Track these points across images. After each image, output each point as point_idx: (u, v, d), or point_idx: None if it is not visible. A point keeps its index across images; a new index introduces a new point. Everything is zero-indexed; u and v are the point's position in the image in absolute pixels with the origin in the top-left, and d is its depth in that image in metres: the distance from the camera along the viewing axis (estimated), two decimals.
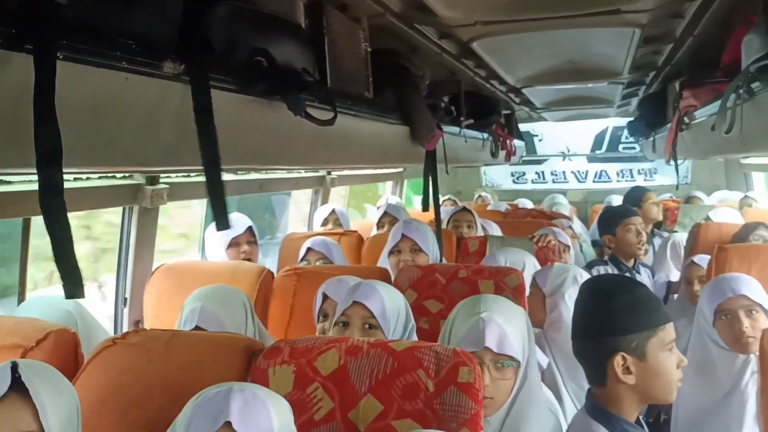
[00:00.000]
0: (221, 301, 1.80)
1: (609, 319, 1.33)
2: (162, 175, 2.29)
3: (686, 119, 2.63)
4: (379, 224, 3.57)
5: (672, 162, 3.16)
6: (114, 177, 2.11)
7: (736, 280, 1.90)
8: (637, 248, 3.01)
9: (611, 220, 3.13)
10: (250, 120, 1.32)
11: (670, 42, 2.65)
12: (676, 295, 2.84)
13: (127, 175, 2.15)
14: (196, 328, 1.72)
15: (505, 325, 1.44)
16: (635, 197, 3.87)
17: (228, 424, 1.05)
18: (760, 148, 1.83)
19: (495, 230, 3.53)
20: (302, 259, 2.75)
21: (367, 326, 1.59)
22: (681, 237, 3.33)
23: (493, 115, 4.27)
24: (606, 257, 3.21)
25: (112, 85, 0.96)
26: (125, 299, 2.28)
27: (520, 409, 1.42)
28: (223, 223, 1.10)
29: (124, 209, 2.24)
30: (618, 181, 7.15)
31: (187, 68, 1.03)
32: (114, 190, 2.12)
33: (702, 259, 2.61)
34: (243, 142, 1.33)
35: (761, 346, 1.64)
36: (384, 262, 2.58)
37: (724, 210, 3.66)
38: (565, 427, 1.52)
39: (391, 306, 1.63)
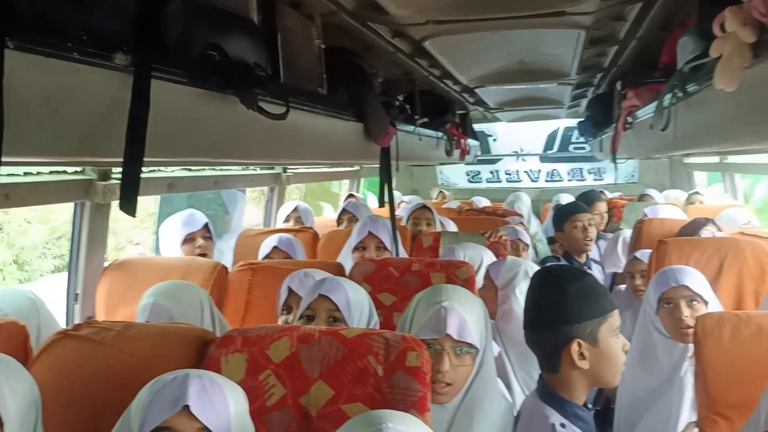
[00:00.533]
0: (173, 296, 1.80)
1: (565, 308, 1.40)
2: (114, 170, 2.27)
3: (630, 119, 2.73)
4: (339, 221, 3.62)
5: (616, 160, 3.28)
6: (65, 172, 2.09)
7: (680, 272, 1.99)
8: (583, 243, 3.11)
9: (560, 218, 3.23)
10: (203, 113, 1.34)
11: (614, 44, 2.75)
12: (623, 286, 2.95)
13: (78, 170, 2.13)
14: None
15: (465, 314, 1.49)
16: (584, 201, 3.98)
17: (186, 408, 1.07)
18: (694, 145, 1.93)
19: (452, 227, 3.60)
20: (266, 257, 2.75)
21: (331, 319, 1.63)
22: (629, 233, 3.46)
23: (448, 114, 4.33)
24: (560, 254, 3.31)
25: (63, 76, 0.96)
26: (76, 295, 2.25)
27: (475, 395, 1.47)
28: (130, 210, 1.07)
29: (75, 205, 2.22)
30: (569, 180, 7.35)
31: (134, 60, 1.05)
32: (65, 185, 2.09)
33: (643, 254, 2.73)
34: (197, 135, 1.35)
35: (695, 332, 1.73)
36: (343, 258, 2.61)
37: (665, 207, 3.81)
38: (515, 412, 1.58)
39: (355, 299, 1.68)
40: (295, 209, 3.76)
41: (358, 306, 1.68)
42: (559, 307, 1.40)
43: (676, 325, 1.93)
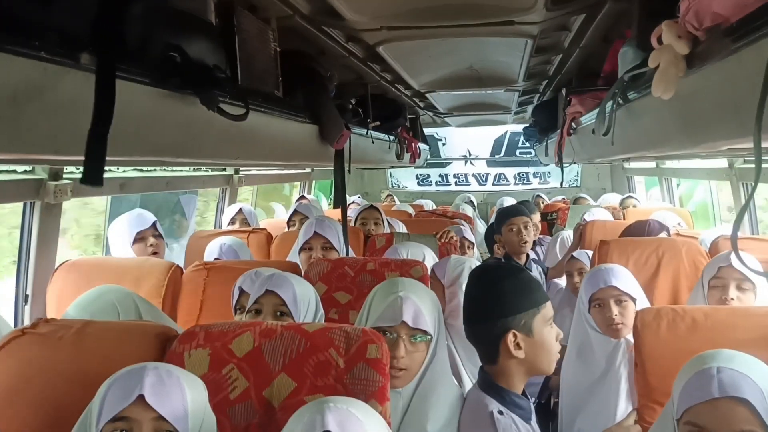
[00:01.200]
0: (82, 307, 1.76)
1: (500, 302, 1.47)
2: (65, 170, 2.25)
3: (574, 125, 2.85)
4: (290, 222, 3.63)
5: (559, 164, 3.40)
6: (15, 171, 2.06)
7: (608, 272, 2.07)
8: (518, 246, 3.18)
9: (499, 221, 3.34)
10: (164, 113, 1.36)
11: (559, 53, 2.87)
12: (562, 284, 3.06)
13: (28, 169, 2.10)
14: None
15: (420, 304, 1.57)
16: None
17: (141, 398, 1.09)
18: (633, 150, 2.04)
19: (401, 228, 3.68)
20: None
21: (278, 313, 1.67)
22: (568, 233, 3.61)
23: (399, 118, 4.41)
24: (501, 255, 3.40)
25: (30, 74, 0.98)
26: (26, 296, 2.21)
27: (429, 380, 1.53)
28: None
29: (25, 205, 2.18)
30: (515, 184, 7.57)
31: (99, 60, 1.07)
32: (14, 185, 2.06)
33: (581, 254, 2.85)
34: (157, 134, 1.36)
35: (635, 325, 1.83)
36: (293, 258, 2.64)
37: (599, 210, 4.00)
38: (464, 390, 1.66)
39: (301, 294, 1.72)
40: (240, 211, 3.77)
41: (304, 300, 1.73)
42: (495, 301, 1.48)
43: (606, 323, 2.03)
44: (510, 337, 1.45)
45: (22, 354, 1.38)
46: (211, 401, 1.18)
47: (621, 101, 1.81)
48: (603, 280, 2.06)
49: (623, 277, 2.07)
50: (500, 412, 1.42)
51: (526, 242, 3.19)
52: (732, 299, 2.03)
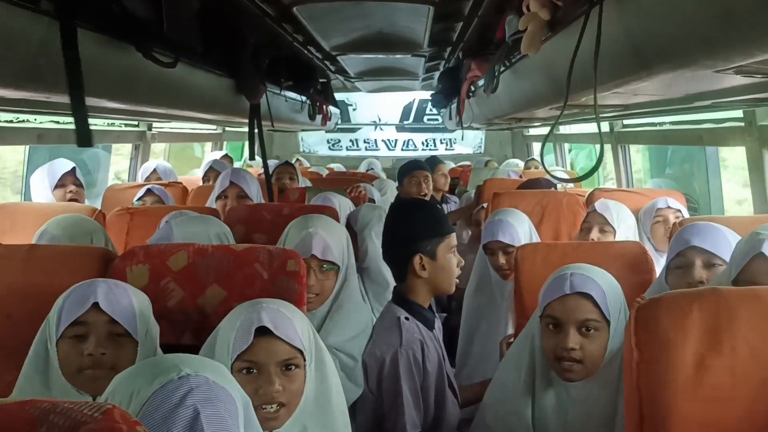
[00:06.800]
0: (64, 227, 1.92)
1: (410, 228, 1.74)
2: None
3: (472, 87, 3.14)
4: (205, 178, 3.76)
5: (462, 124, 3.72)
6: None
7: (497, 226, 2.37)
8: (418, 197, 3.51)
9: (401, 173, 3.65)
10: (102, 58, 1.49)
11: (460, 20, 3.12)
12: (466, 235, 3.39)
13: None
14: None
15: (328, 238, 1.79)
16: (429, 164, 4.41)
17: (95, 305, 1.26)
18: (519, 108, 2.33)
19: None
20: (139, 199, 2.90)
21: None
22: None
23: (311, 80, 4.58)
24: None
25: None
26: None
27: (340, 303, 1.79)
28: (85, 141, 1.28)
29: None
30: (423, 150, 7.90)
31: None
32: None
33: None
34: (96, 77, 1.49)
35: (515, 258, 2.13)
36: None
37: (501, 173, 4.36)
38: (374, 320, 1.91)
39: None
40: (154, 171, 3.86)
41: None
42: (406, 227, 1.74)
43: (496, 268, 2.37)
44: (416, 259, 1.71)
45: None
46: (152, 310, 1.35)
47: (507, 63, 2.09)
48: (492, 233, 2.36)
49: (511, 231, 2.35)
50: (406, 318, 1.68)
51: (425, 195, 3.49)
52: (593, 239, 2.39)
